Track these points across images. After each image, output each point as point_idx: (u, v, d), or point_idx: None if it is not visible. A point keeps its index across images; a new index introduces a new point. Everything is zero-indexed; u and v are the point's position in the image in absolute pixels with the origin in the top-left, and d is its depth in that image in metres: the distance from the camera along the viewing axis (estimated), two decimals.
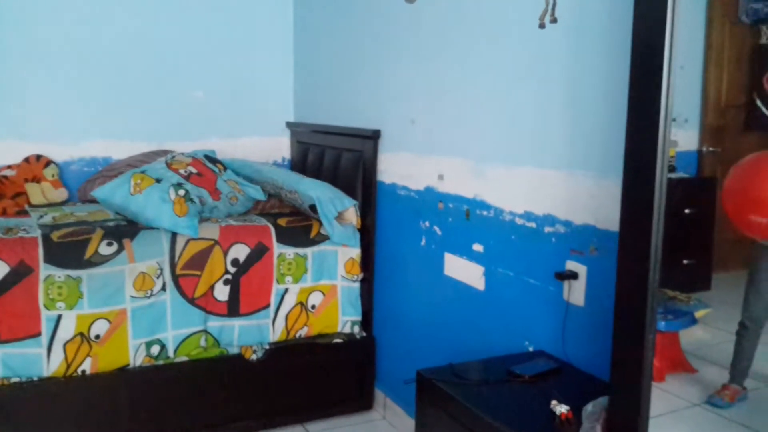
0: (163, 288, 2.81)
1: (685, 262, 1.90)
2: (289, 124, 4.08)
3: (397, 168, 3.05)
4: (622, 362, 1.57)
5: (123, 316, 2.73)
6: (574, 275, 2.10)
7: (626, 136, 1.52)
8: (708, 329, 1.91)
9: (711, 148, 1.85)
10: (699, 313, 1.86)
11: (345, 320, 3.16)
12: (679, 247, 1.83)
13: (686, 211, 1.88)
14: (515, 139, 2.34)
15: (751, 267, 1.75)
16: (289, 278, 3.04)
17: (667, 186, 1.48)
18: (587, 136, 2.05)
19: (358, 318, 3.19)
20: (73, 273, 2.66)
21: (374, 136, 3.13)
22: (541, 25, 2.17)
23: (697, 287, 1.90)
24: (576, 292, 2.10)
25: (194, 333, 2.88)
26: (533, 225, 2.28)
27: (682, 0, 1.42)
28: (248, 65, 3.99)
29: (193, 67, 3.86)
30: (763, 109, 1.76)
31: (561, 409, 1.76)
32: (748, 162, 1.73)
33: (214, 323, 2.92)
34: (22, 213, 3.21)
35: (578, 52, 2.07)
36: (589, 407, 1.71)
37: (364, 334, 3.25)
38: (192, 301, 2.86)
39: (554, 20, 2.13)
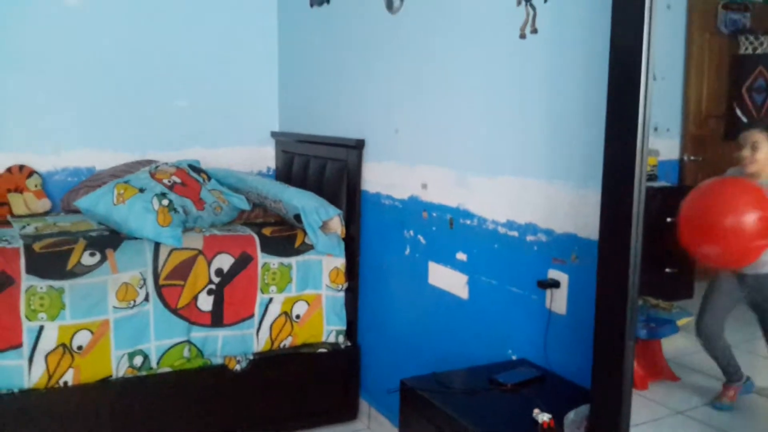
0: (146, 298, 2.79)
1: (667, 270, 1.91)
2: (273, 134, 4.08)
3: (381, 177, 3.06)
4: (603, 370, 1.57)
5: (105, 326, 2.71)
6: (556, 284, 2.11)
7: (605, 146, 1.53)
8: (690, 337, 1.92)
9: (692, 157, 1.87)
10: (681, 321, 1.87)
11: (330, 330, 3.16)
12: (661, 256, 1.85)
13: (668, 219, 1.90)
14: (497, 149, 2.35)
15: (708, 287, 1.77)
16: (273, 288, 3.03)
17: (649, 195, 1.49)
18: (567, 146, 2.06)
19: (343, 327, 3.19)
20: (56, 284, 2.64)
21: (358, 145, 3.14)
22: (522, 36, 2.19)
23: (679, 295, 1.91)
24: (558, 301, 2.11)
25: (177, 344, 2.86)
26: (515, 234, 2.29)
27: (659, 11, 1.44)
28: (233, 75, 3.98)
29: (177, 76, 3.85)
30: (743, 118, 1.78)
31: (543, 417, 1.76)
32: (699, 191, 1.75)
33: (198, 334, 2.90)
34: (5, 223, 3.18)
35: (558, 63, 2.08)
36: (571, 415, 1.71)
37: (349, 343, 3.24)
38: (175, 312, 2.85)
39: (535, 31, 2.15)
